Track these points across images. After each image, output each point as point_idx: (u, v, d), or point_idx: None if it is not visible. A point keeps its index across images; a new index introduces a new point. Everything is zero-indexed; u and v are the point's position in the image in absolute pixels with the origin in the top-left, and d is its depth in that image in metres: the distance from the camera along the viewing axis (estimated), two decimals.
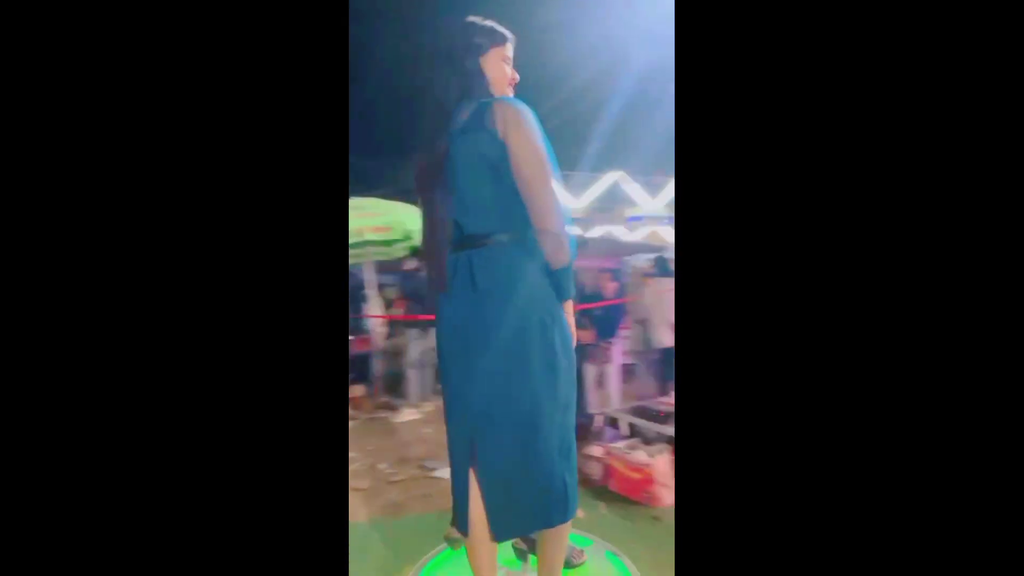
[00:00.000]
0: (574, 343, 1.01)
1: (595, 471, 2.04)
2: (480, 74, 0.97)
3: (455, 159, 0.93)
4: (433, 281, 1.00)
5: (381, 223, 3.51)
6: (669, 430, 2.06)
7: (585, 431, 2.37)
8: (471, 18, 0.99)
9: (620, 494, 1.94)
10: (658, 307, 3.46)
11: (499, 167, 0.90)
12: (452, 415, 1.01)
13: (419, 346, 3.62)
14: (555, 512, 0.97)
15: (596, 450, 2.07)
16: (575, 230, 1.03)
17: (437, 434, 3.01)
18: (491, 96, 0.96)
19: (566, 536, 1.05)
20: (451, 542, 1.42)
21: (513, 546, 1.41)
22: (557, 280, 0.95)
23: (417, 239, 3.67)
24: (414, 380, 3.63)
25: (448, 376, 1.01)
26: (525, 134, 0.89)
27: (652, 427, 2.14)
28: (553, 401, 0.95)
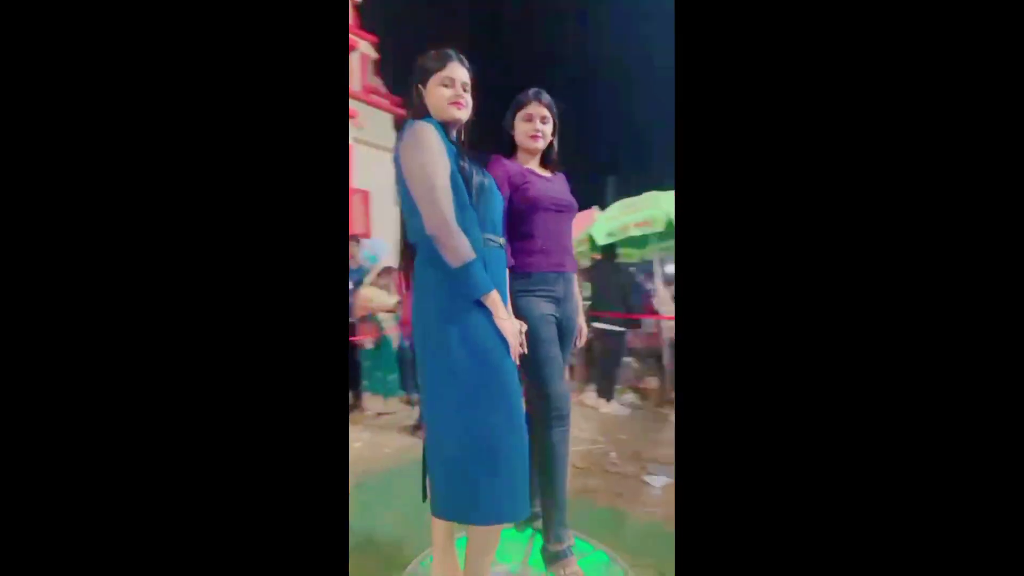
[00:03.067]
0: (519, 335, 1.08)
1: None
2: (422, 100, 1.13)
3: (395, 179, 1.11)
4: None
5: (642, 218, 3.48)
6: None
7: None
8: (420, 57, 1.14)
9: None
10: None
11: (404, 184, 1.06)
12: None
13: None
14: (465, 510, 1.03)
15: None
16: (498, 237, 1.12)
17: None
18: (420, 118, 1.10)
19: (494, 537, 1.08)
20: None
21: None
22: (459, 280, 1.02)
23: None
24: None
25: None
26: (409, 151, 1.03)
27: None
28: (454, 402, 1.01)
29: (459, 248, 0.99)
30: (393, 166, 1.08)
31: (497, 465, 1.01)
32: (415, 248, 1.10)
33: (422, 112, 1.11)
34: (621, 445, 2.66)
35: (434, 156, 1.02)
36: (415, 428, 2.83)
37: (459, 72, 1.10)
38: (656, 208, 3.47)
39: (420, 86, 1.12)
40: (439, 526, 1.12)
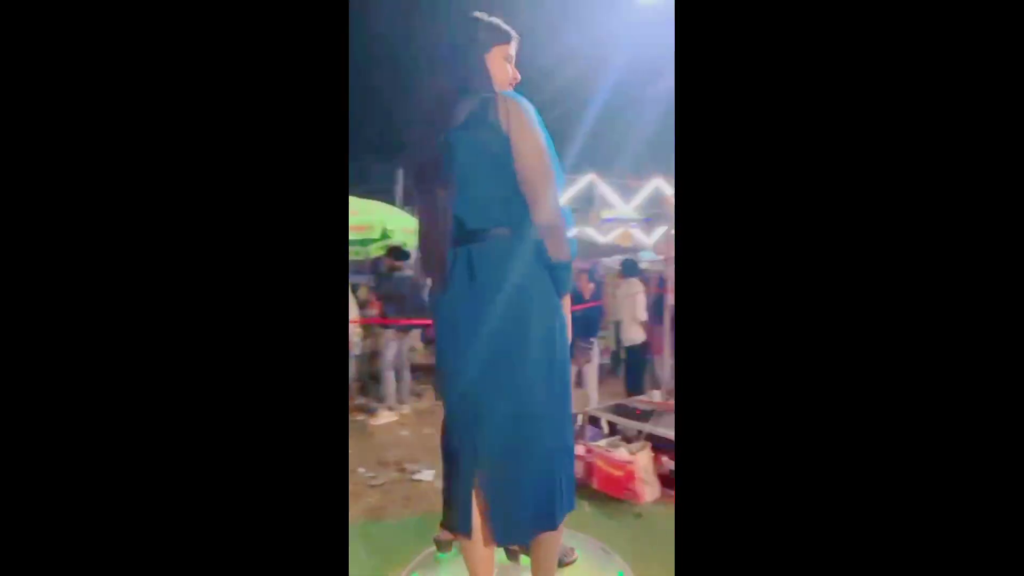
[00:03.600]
0: (569, 338, 1.01)
1: (577, 469, 2.06)
2: (483, 71, 0.96)
3: (456, 154, 0.91)
4: (432, 279, 0.98)
5: (359, 222, 3.45)
6: (648, 427, 2.10)
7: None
8: (476, 14, 0.98)
9: (603, 492, 1.96)
10: (629, 307, 3.55)
11: (501, 161, 0.90)
12: (453, 415, 0.99)
13: (394, 348, 3.57)
14: (557, 513, 0.96)
15: (578, 449, 2.08)
16: (572, 229, 1.05)
17: (415, 437, 2.98)
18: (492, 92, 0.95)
19: (560, 535, 1.04)
20: (440, 544, 1.40)
21: (505, 548, 1.40)
22: (556, 275, 0.95)
23: (396, 238, 3.62)
24: (390, 382, 3.57)
25: (447, 375, 0.98)
26: (528, 129, 0.89)
27: (632, 425, 2.17)
28: (551, 396, 0.94)
29: (567, 243, 0.93)
30: (462, 138, 0.91)
31: (571, 458, 1.01)
32: (471, 235, 0.93)
33: (485, 85, 0.94)
34: (353, 461, 2.56)
35: (544, 140, 0.91)
36: None
37: (514, 52, 1.01)
38: (374, 215, 3.52)
39: (483, 55, 0.96)
40: (483, 555, 0.99)
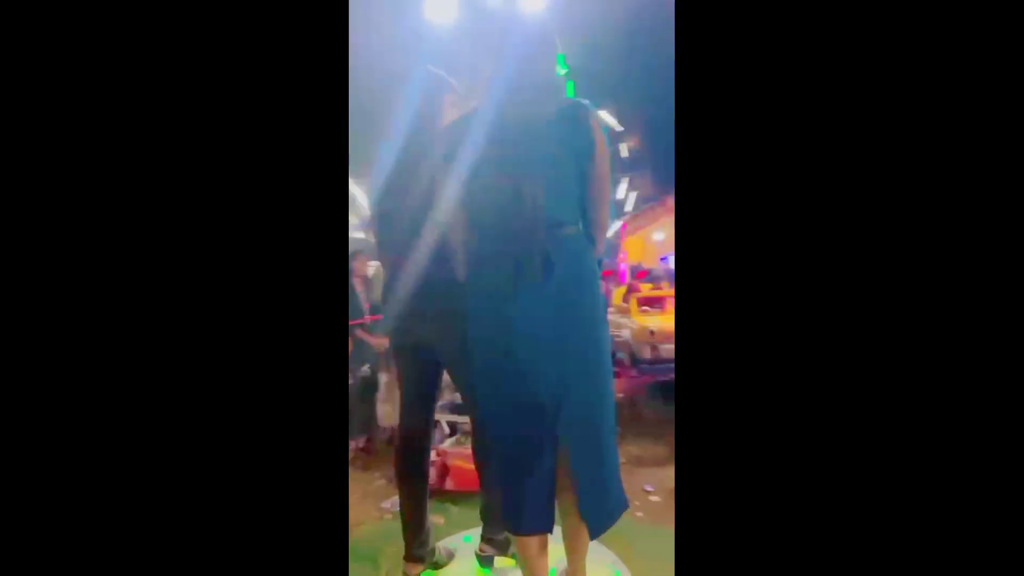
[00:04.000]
0: None
1: (432, 475, 2.02)
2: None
3: (541, 149, 0.95)
4: (502, 267, 0.97)
5: None
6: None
7: None
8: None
9: (459, 490, 1.98)
10: None
11: (583, 162, 0.98)
12: (517, 411, 0.98)
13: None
14: (623, 497, 1.04)
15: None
16: None
17: None
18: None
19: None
20: (483, 560, 1.36)
21: (477, 554, 1.37)
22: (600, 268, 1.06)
23: None
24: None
25: (515, 373, 0.97)
26: (604, 138, 1.00)
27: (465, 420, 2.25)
28: (608, 382, 1.02)
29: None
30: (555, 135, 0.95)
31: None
32: (546, 229, 0.96)
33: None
34: None
35: None
36: None
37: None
38: None
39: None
40: (544, 554, 1.02)
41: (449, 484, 2.01)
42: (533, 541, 1.01)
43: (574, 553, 1.06)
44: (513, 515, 1.01)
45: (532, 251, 0.95)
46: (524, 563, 1.04)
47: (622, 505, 1.04)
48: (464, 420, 2.26)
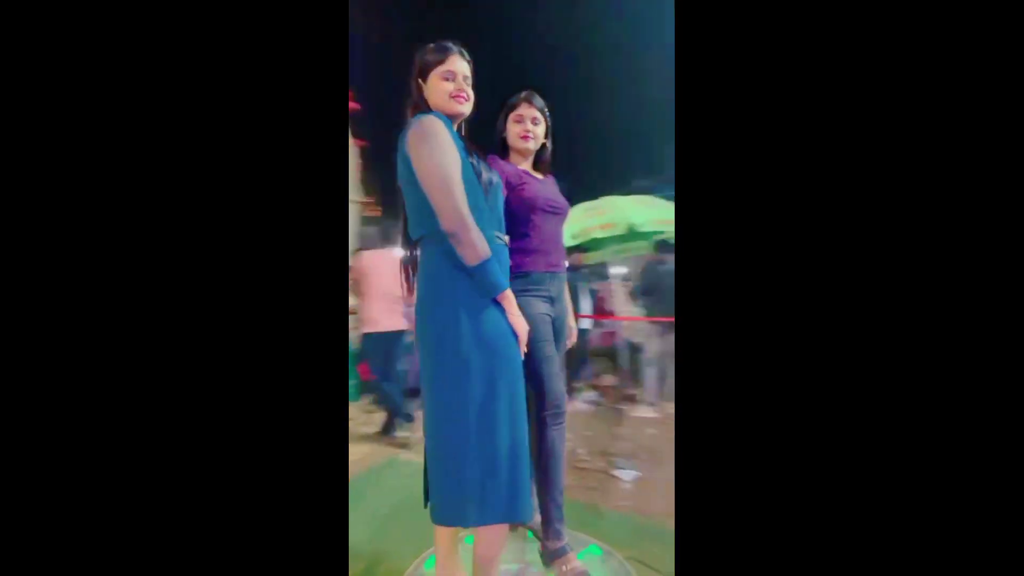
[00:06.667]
0: (523, 334, 1.06)
1: None
2: (421, 95, 1.10)
3: (398, 173, 1.07)
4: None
5: (606, 220, 3.58)
6: None
7: None
8: (431, 44, 1.10)
9: None
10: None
11: (412, 179, 1.01)
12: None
13: (656, 344, 3.50)
14: (471, 512, 1.00)
15: None
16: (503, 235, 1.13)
17: (657, 438, 2.87)
18: (426, 112, 1.06)
19: (498, 538, 1.06)
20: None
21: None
22: (475, 278, 1.00)
23: (646, 230, 3.55)
24: (651, 378, 3.53)
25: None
26: (420, 145, 1.00)
27: None
28: (463, 398, 0.99)
29: (477, 246, 0.97)
30: (397, 161, 1.04)
31: (509, 461, 1.00)
32: (418, 243, 1.08)
33: (423, 107, 1.08)
34: (587, 441, 2.72)
35: (447, 150, 1.00)
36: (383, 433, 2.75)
37: (460, 65, 1.08)
38: (617, 212, 3.58)
39: (420, 80, 1.09)
40: (443, 531, 1.08)
41: None
42: (443, 530, 1.06)
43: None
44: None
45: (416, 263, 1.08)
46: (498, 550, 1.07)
47: (480, 515, 1.01)
48: None
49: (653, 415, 3.33)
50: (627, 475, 2.23)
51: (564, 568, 1.27)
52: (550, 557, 1.31)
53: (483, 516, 1.00)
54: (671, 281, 3.40)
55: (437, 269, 1.02)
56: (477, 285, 1.00)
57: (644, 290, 3.59)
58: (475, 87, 1.12)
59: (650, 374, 3.58)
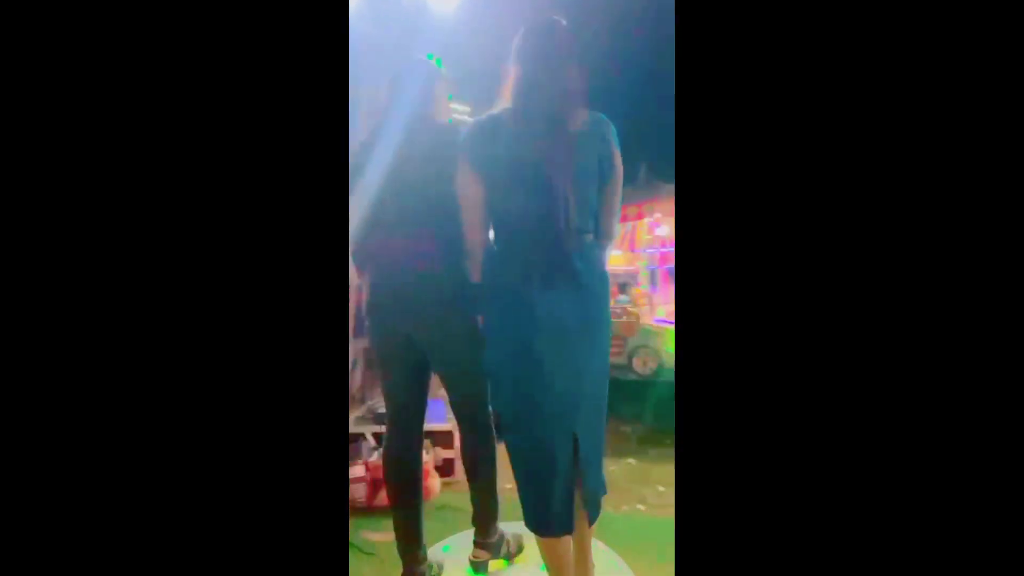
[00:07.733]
0: None
1: (360, 493, 1.87)
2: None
3: (574, 158, 0.97)
4: (519, 274, 0.99)
5: None
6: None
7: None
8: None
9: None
10: None
11: (604, 175, 1.01)
12: (548, 416, 1.00)
13: None
14: (604, 483, 1.10)
15: (358, 470, 1.90)
16: None
17: None
18: None
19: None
20: (477, 566, 1.33)
21: (471, 560, 1.33)
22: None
23: None
24: None
25: (540, 376, 0.98)
26: (619, 154, 1.04)
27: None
28: (605, 404, 1.08)
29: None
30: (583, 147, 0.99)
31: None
32: (568, 238, 0.98)
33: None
34: None
35: None
36: None
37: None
38: None
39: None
40: (562, 544, 1.03)
41: (381, 500, 1.88)
42: (560, 542, 1.03)
43: (583, 542, 1.11)
44: (541, 519, 1.02)
45: (561, 257, 0.98)
46: (552, 564, 1.04)
47: (603, 490, 1.11)
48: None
49: None
50: None
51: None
52: (493, 552, 1.35)
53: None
54: None
55: (603, 264, 1.06)
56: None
57: None
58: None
59: None
